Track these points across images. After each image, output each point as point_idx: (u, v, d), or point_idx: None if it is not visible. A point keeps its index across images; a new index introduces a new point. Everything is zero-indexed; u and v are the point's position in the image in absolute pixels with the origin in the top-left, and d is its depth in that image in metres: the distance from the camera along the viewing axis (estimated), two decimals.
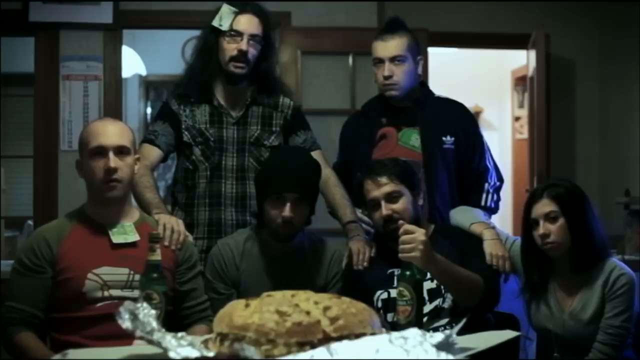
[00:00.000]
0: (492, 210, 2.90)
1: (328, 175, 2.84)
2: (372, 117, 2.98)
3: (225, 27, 2.80)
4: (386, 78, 2.86)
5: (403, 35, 2.89)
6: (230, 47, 2.79)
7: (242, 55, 2.78)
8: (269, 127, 2.89)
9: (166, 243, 2.39)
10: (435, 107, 2.95)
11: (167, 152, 2.87)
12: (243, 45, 2.78)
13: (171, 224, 2.46)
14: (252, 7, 2.85)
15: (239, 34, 2.79)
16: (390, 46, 2.86)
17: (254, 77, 2.87)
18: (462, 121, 2.94)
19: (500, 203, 2.96)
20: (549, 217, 2.49)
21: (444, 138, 2.88)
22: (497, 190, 2.93)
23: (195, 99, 2.86)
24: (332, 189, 2.83)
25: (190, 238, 2.54)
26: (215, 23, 2.82)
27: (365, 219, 2.81)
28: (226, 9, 2.82)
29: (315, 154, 2.83)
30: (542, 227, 2.49)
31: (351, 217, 2.78)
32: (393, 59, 2.86)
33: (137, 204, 2.64)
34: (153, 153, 2.82)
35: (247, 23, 2.81)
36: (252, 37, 2.80)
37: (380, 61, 2.88)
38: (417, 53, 2.93)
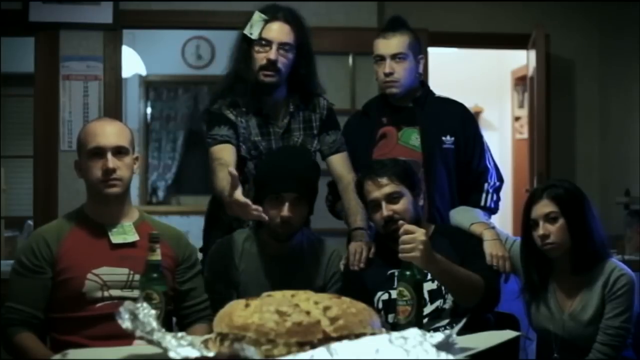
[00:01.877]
0: (492, 210, 2.90)
1: (350, 180, 2.80)
2: (372, 116, 2.98)
3: (255, 35, 2.73)
4: (387, 75, 2.86)
5: (405, 33, 2.89)
6: (260, 56, 2.72)
7: (271, 64, 2.70)
8: (310, 130, 2.86)
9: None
10: (436, 107, 2.95)
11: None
12: (272, 54, 2.70)
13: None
14: (284, 14, 2.77)
15: (269, 42, 2.72)
16: (391, 44, 2.87)
17: (292, 84, 2.81)
18: (462, 121, 2.94)
19: (500, 203, 2.95)
20: (549, 218, 2.49)
21: (443, 138, 2.87)
22: (497, 190, 2.93)
23: (246, 109, 2.77)
24: (350, 194, 2.78)
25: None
26: (246, 31, 2.75)
27: None
28: (257, 17, 2.75)
29: (341, 156, 2.85)
30: (542, 228, 2.49)
31: (360, 224, 2.75)
32: (394, 57, 2.86)
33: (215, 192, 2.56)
34: (231, 152, 2.64)
35: (277, 31, 2.73)
36: (282, 45, 2.72)
37: (381, 58, 2.88)
38: (418, 52, 2.94)
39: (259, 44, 2.73)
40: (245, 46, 2.76)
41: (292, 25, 2.76)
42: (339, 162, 2.86)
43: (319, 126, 2.88)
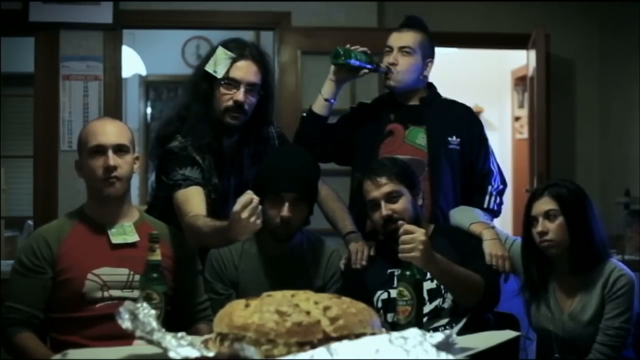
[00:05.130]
0: (494, 212, 2.90)
1: (326, 192, 2.82)
2: (381, 112, 2.98)
3: (220, 74, 2.54)
4: (390, 65, 2.87)
5: (418, 31, 2.92)
6: (226, 97, 2.55)
7: (238, 106, 2.55)
8: (261, 163, 2.69)
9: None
10: (443, 108, 2.96)
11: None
12: (240, 95, 2.54)
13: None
14: (251, 51, 2.60)
15: (236, 83, 2.55)
16: (402, 37, 2.89)
17: (247, 123, 2.65)
18: (468, 123, 2.95)
19: (502, 206, 2.96)
20: (548, 215, 2.49)
21: (449, 138, 2.88)
22: (500, 193, 2.93)
23: (207, 150, 2.58)
24: (330, 204, 2.80)
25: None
26: (209, 69, 2.55)
27: None
28: (222, 54, 2.55)
29: None
30: (541, 225, 2.50)
31: (351, 227, 2.76)
32: (401, 49, 2.87)
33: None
34: (202, 196, 2.45)
35: (245, 71, 2.56)
36: (250, 86, 2.57)
37: (390, 49, 2.89)
38: (428, 54, 2.94)
39: (224, 85, 2.56)
40: (206, 84, 2.58)
41: (258, 64, 2.60)
42: None
43: None
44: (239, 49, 2.58)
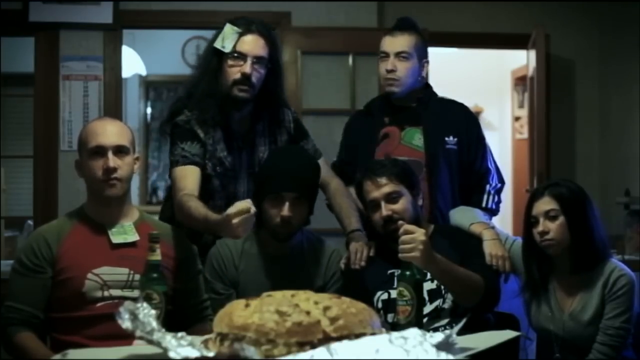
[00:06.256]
0: (492, 211, 2.90)
1: (336, 185, 2.81)
2: (375, 116, 2.98)
3: (228, 48, 2.63)
4: (388, 72, 2.87)
5: (412, 34, 2.90)
6: (233, 70, 2.63)
7: (245, 78, 2.62)
8: (275, 144, 2.79)
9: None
10: (439, 107, 2.96)
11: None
12: (247, 68, 2.61)
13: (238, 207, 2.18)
14: (258, 27, 2.67)
15: (243, 56, 2.62)
16: (397, 41, 2.87)
17: (259, 100, 2.72)
18: (465, 122, 2.95)
19: (501, 204, 2.96)
20: (549, 215, 2.49)
21: (446, 138, 2.88)
22: (498, 191, 2.94)
23: (211, 123, 2.67)
24: (339, 198, 2.79)
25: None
26: (217, 45, 2.65)
27: None
28: (229, 29, 2.65)
29: (321, 162, 2.80)
30: (542, 225, 2.50)
31: (356, 225, 2.75)
32: (398, 54, 2.86)
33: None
34: (197, 175, 2.55)
35: (252, 44, 2.64)
36: (257, 59, 2.64)
37: (385, 55, 2.89)
38: (424, 55, 2.94)
39: (232, 58, 2.63)
40: (215, 60, 2.66)
41: (265, 39, 2.67)
42: (322, 169, 2.77)
43: (287, 140, 2.82)
44: (245, 25, 2.67)
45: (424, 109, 2.93)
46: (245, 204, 2.12)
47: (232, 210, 2.11)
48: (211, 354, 1.55)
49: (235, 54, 2.63)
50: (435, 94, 3.02)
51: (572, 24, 5.40)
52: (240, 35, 2.64)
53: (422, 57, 2.93)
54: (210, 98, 2.66)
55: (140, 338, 1.61)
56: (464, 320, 1.75)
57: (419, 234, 2.22)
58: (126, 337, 1.72)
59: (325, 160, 2.90)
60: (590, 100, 5.43)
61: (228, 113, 2.69)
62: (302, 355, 1.44)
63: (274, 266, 2.61)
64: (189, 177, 2.53)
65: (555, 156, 5.16)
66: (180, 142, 2.61)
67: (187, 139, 2.62)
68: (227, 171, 2.69)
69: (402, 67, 2.87)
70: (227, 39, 2.64)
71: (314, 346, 1.49)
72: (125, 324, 1.61)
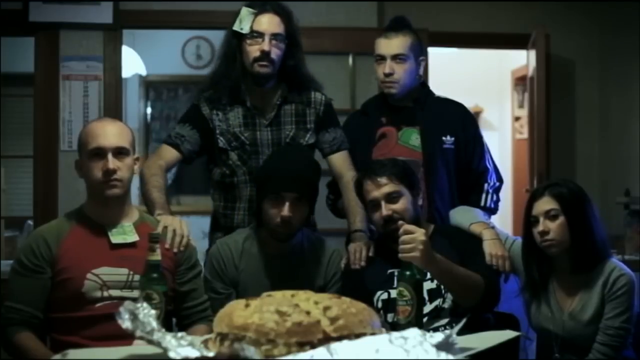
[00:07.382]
0: (491, 210, 2.90)
1: (349, 179, 2.81)
2: (372, 116, 2.98)
3: (245, 29, 2.75)
4: (386, 75, 2.86)
5: (407, 34, 2.89)
6: (253, 49, 2.75)
7: (265, 55, 2.73)
8: (303, 124, 2.85)
9: (167, 245, 2.38)
10: (436, 107, 2.96)
11: (188, 158, 2.83)
12: (265, 45, 2.73)
13: (174, 225, 2.43)
14: (272, 6, 2.80)
15: (260, 34, 2.74)
16: (393, 44, 2.87)
17: (282, 76, 2.83)
18: (462, 121, 2.94)
19: (500, 203, 2.96)
20: (549, 215, 2.49)
21: (444, 138, 2.88)
22: (497, 190, 2.93)
23: (227, 102, 2.81)
24: (349, 193, 2.78)
25: (193, 242, 2.48)
26: (235, 27, 2.77)
27: None
28: (245, 12, 2.77)
29: (342, 155, 2.85)
30: (542, 225, 2.50)
31: (360, 226, 2.75)
32: (395, 57, 2.86)
33: (143, 201, 2.66)
34: (171, 155, 2.78)
35: (268, 22, 2.76)
36: (274, 36, 2.75)
37: (382, 58, 2.88)
38: (420, 54, 2.94)
39: (250, 37, 2.75)
40: (235, 42, 2.79)
41: (281, 16, 2.79)
42: (340, 161, 2.86)
43: (315, 122, 2.87)
44: (261, 5, 2.79)
45: (420, 108, 2.93)
46: (185, 238, 2.43)
47: (169, 229, 2.42)
48: (211, 354, 1.55)
49: (254, 34, 2.75)
50: (432, 93, 3.02)
51: (572, 24, 5.40)
52: (256, 15, 2.76)
53: (419, 56, 2.93)
54: (227, 78, 2.80)
55: (140, 338, 1.61)
56: (464, 320, 1.75)
57: (419, 233, 2.22)
58: (126, 337, 1.72)
59: (347, 152, 2.89)
60: (590, 100, 5.43)
61: (246, 90, 2.80)
62: (302, 355, 1.44)
63: (274, 266, 2.61)
64: (162, 154, 2.78)
65: (555, 156, 5.16)
66: (179, 122, 2.85)
67: (186, 120, 2.83)
68: (244, 146, 2.78)
69: (400, 70, 2.86)
70: (244, 20, 2.76)
71: (314, 346, 1.49)
72: (125, 324, 1.61)
